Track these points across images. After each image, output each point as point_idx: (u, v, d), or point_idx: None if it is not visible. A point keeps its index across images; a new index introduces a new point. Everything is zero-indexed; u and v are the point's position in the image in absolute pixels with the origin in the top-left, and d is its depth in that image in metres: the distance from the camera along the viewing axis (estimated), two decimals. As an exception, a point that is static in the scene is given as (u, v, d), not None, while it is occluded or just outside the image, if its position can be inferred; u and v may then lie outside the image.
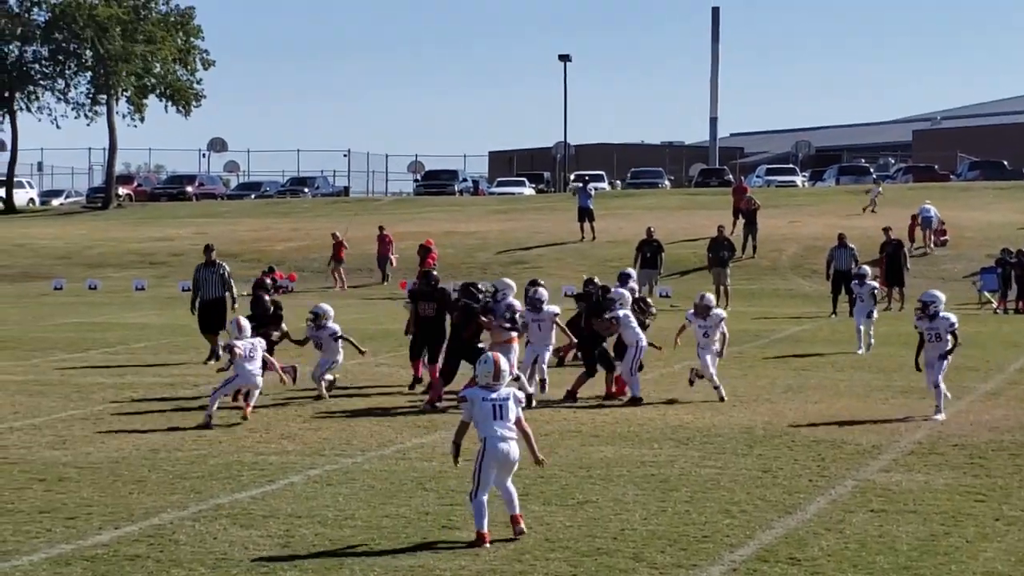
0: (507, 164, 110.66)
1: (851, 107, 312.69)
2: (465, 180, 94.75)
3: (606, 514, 14.68)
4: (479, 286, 24.47)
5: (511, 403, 13.59)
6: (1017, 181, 77.79)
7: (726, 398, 22.81)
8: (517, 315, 23.38)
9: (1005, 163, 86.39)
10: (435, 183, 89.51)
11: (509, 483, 13.66)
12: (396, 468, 17.35)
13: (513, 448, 13.50)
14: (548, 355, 24.22)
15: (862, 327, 31.09)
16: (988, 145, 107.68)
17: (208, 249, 30.30)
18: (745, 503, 15.27)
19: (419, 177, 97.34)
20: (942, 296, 21.99)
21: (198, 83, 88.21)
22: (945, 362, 21.43)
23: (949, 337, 21.31)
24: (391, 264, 55.85)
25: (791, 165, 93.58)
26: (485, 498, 13.44)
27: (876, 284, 32.81)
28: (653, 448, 18.66)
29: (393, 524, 14.23)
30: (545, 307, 24.01)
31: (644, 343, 23.29)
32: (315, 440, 19.52)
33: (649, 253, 46.73)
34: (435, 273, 25.68)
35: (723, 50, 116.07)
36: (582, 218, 59.37)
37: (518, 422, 13.59)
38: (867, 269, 33.16)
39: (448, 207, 74.19)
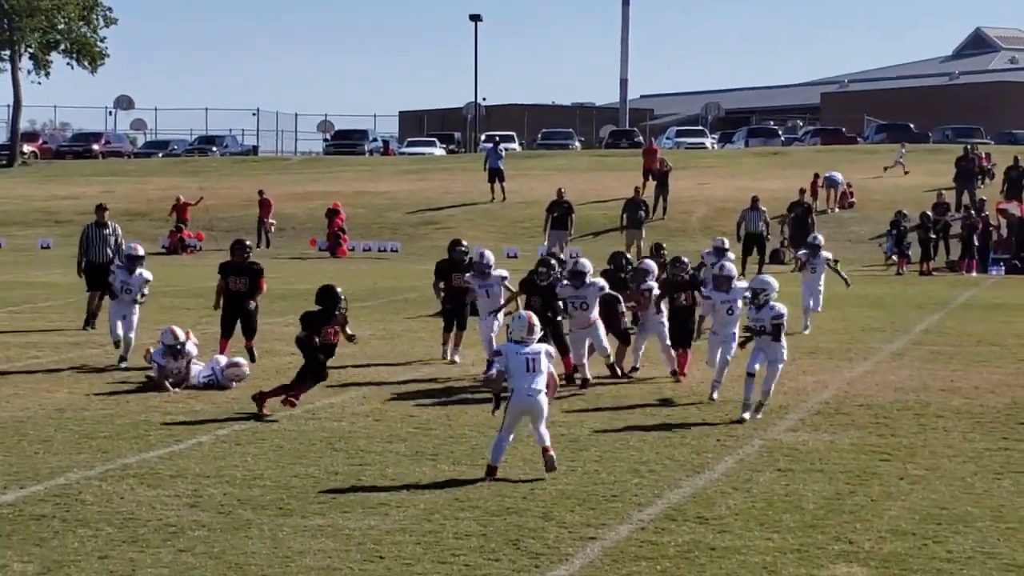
0: (418, 124, 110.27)
1: (760, 70, 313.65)
2: (375, 140, 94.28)
3: (516, 474, 14.72)
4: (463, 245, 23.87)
5: (543, 357, 14.73)
6: (923, 144, 78.46)
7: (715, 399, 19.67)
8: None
9: (911, 126, 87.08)
10: (345, 143, 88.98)
11: (542, 427, 14.74)
12: (305, 428, 17.30)
13: (539, 401, 14.64)
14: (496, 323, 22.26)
15: (811, 302, 28.17)
16: (895, 108, 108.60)
17: (100, 209, 28.68)
18: (654, 463, 15.35)
19: (329, 137, 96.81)
20: (775, 283, 18.48)
21: (102, 41, 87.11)
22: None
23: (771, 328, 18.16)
24: (268, 229, 55.06)
25: (700, 127, 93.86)
26: (507, 440, 14.66)
27: (831, 255, 29.68)
28: (563, 409, 18.71)
29: (302, 484, 14.19)
30: (493, 272, 22.63)
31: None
32: (223, 400, 19.42)
33: (559, 214, 46.79)
34: (249, 244, 23.36)
35: (633, 12, 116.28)
36: (492, 179, 59.32)
37: (549, 375, 14.80)
38: (821, 238, 30.68)
39: (358, 167, 73.89)
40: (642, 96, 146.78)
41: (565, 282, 20.98)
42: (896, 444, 16.56)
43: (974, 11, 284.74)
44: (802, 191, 48.96)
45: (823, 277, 28.79)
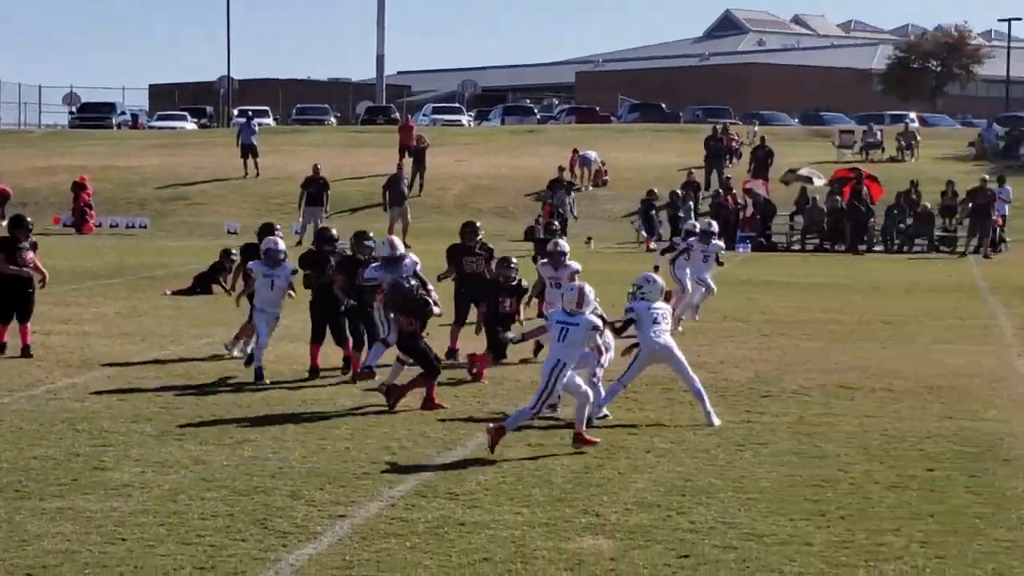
0: (169, 98, 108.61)
1: (516, 48, 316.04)
2: (124, 113, 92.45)
3: (264, 453, 14.60)
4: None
5: (578, 330, 15.11)
6: (674, 124, 79.80)
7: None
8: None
9: (663, 105, 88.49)
10: (92, 116, 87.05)
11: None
12: (46, 409, 16.92)
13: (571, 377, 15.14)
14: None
15: (697, 300, 25.88)
16: (647, 88, 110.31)
17: None
18: (405, 440, 15.35)
19: (75, 110, 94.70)
20: (660, 280, 17.28)
21: None
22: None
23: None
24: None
25: (457, 104, 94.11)
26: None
27: (722, 244, 27.51)
28: (315, 386, 18.61)
29: (42, 466, 13.87)
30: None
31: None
32: (-36, 380, 18.90)
33: (314, 190, 46.52)
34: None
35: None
36: (245, 154, 58.70)
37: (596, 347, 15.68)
38: (715, 224, 27.44)
39: (106, 141, 72.45)
40: (399, 72, 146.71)
41: (545, 262, 20.80)
42: (643, 418, 16.81)
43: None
44: (561, 168, 49.42)
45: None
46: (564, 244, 21.20)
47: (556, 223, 27.64)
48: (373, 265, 18.84)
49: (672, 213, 46.16)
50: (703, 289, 25.73)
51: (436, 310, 17.65)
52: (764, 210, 47.90)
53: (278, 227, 21.30)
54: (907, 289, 32.45)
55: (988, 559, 11.03)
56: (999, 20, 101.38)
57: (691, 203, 46.83)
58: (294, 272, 19.76)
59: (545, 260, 20.99)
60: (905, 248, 46.18)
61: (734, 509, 12.51)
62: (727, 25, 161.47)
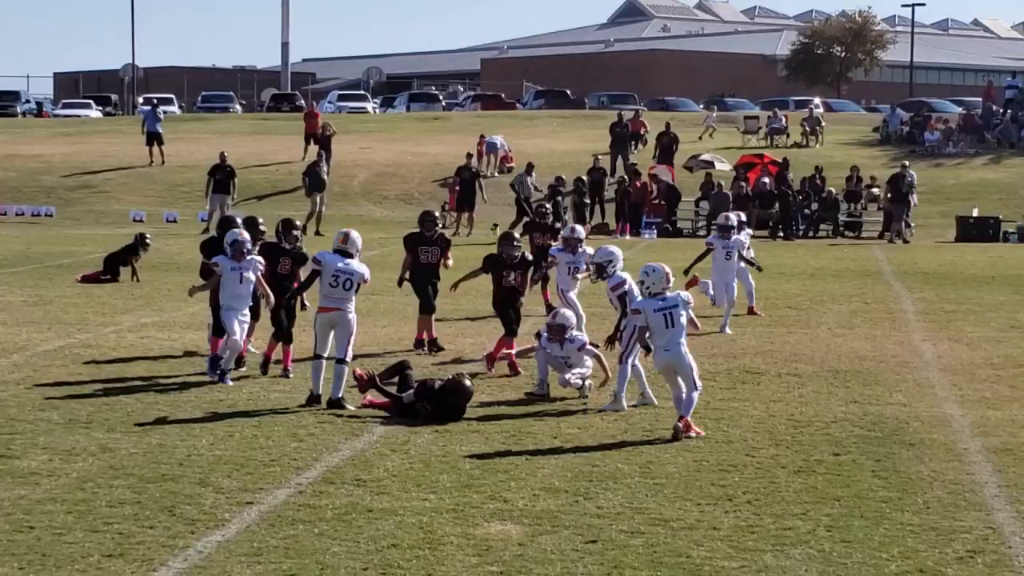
0: (73, 86, 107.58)
1: (421, 35, 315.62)
2: (28, 101, 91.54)
3: (172, 440, 14.56)
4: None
5: (681, 310, 15.29)
6: (579, 110, 79.99)
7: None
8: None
9: (568, 92, 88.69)
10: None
11: (681, 384, 15.25)
12: (-47, 397, 16.78)
13: (673, 357, 15.21)
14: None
15: (726, 302, 23.74)
16: (552, 74, 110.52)
17: None
18: (313, 427, 15.36)
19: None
20: (618, 252, 17.78)
21: None
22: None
23: (616, 301, 17.47)
24: None
25: (362, 92, 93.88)
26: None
27: (745, 238, 24.95)
28: (204, 376, 18.50)
29: (-51, 455, 13.78)
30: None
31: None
32: None
33: (221, 178, 46.18)
34: None
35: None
36: (151, 142, 58.21)
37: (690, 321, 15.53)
38: (733, 217, 24.78)
39: (10, 129, 71.66)
40: (304, 60, 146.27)
41: (561, 248, 20.97)
42: (550, 404, 16.90)
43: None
44: (469, 155, 49.40)
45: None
46: (580, 230, 21.53)
47: (548, 206, 26.89)
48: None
49: (577, 200, 46.28)
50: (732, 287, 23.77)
51: None
52: (668, 195, 48.10)
53: (297, 223, 19.77)
54: (812, 274, 32.77)
55: (894, 543, 11.20)
56: (903, 5, 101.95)
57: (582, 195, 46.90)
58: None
59: (561, 247, 21.15)
60: (810, 233, 46.55)
61: (641, 494, 12.62)
62: (632, 11, 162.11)
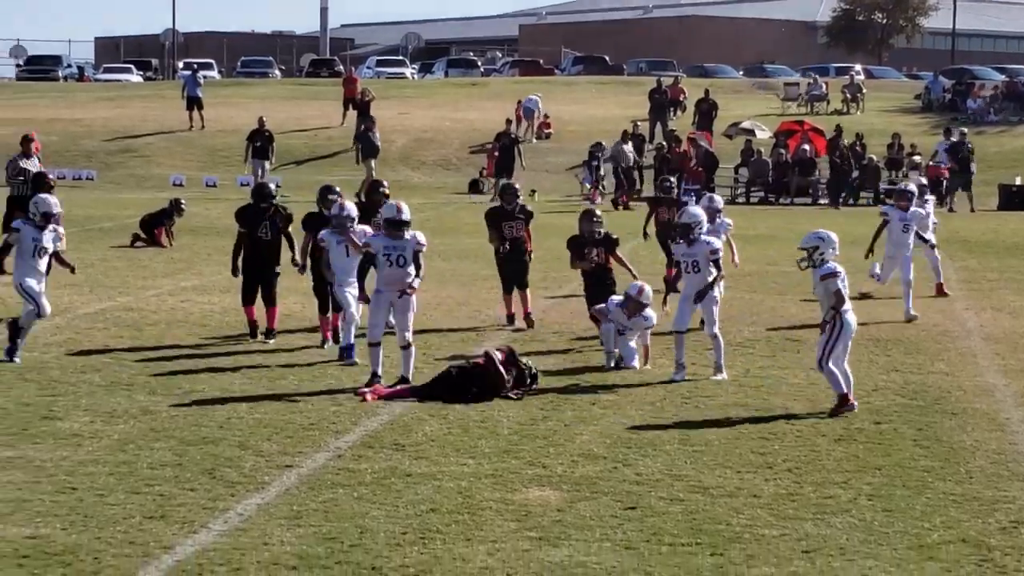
0: (114, 50, 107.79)
1: (459, 0, 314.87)
2: (70, 66, 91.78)
3: (212, 403, 14.61)
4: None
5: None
6: (617, 76, 79.72)
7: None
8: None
9: (606, 58, 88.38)
10: (38, 69, 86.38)
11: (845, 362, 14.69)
12: (-6, 359, 16.86)
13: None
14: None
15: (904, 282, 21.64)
16: (591, 41, 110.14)
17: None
18: (352, 391, 15.36)
19: (21, 62, 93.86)
20: (702, 215, 17.24)
21: None
22: (714, 305, 16.75)
23: (712, 268, 16.64)
24: None
25: (401, 57, 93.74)
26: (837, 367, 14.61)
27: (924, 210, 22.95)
28: (259, 339, 18.56)
29: (-9, 416, 13.85)
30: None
31: None
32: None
33: (260, 143, 46.25)
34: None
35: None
36: (191, 107, 58.30)
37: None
38: (912, 185, 23.20)
39: (52, 93, 71.87)
40: (343, 25, 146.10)
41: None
42: (591, 370, 16.88)
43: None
44: (508, 121, 49.31)
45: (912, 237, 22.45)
46: (718, 199, 20.81)
47: (672, 180, 24.65)
48: (371, 234, 16.57)
49: (616, 165, 46.11)
50: (907, 259, 21.98)
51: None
52: (707, 162, 47.87)
53: (337, 188, 18.87)
54: (853, 241, 32.57)
55: (936, 512, 11.14)
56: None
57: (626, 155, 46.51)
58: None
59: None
60: (851, 201, 46.34)
61: (681, 461, 12.60)
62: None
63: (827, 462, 12.67)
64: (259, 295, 18.64)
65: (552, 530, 10.53)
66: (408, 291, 15.52)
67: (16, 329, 16.90)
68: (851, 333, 14.81)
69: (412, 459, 12.51)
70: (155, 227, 29.86)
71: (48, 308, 17.19)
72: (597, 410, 14.70)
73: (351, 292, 17.37)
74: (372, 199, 18.90)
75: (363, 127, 47.46)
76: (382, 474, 11.97)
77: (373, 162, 45.07)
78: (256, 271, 18.62)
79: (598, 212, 19.25)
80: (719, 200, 20.85)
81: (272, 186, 19.81)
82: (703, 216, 17.19)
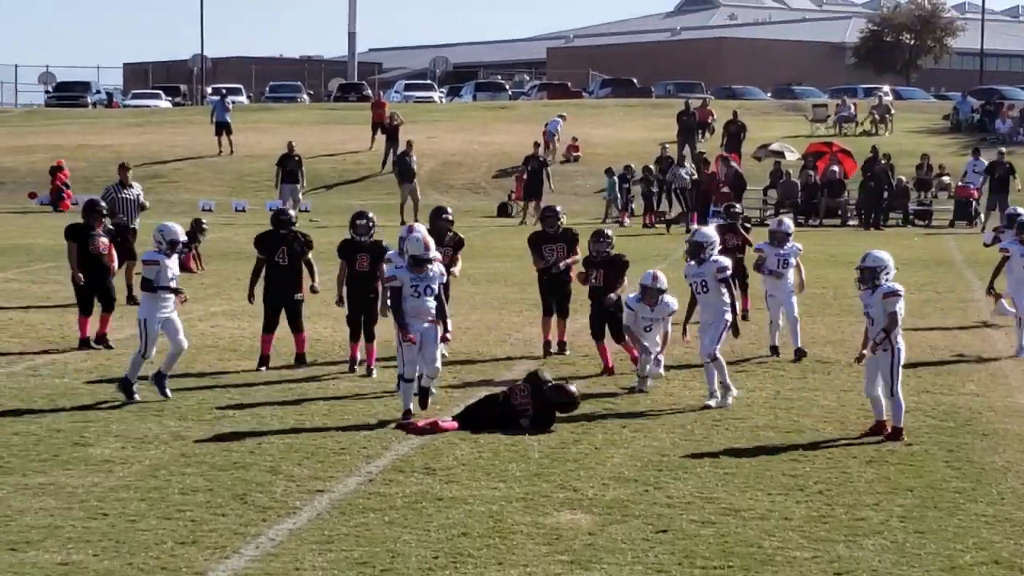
0: (143, 76, 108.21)
1: (487, 24, 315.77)
2: (99, 92, 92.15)
3: (243, 428, 14.64)
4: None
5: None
6: (645, 98, 79.72)
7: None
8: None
9: (634, 81, 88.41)
10: (67, 95, 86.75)
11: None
12: (26, 385, 16.92)
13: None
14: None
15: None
16: (618, 63, 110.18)
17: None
18: (383, 414, 15.38)
19: (50, 89, 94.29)
20: (714, 236, 17.05)
21: None
22: (723, 328, 16.42)
23: (723, 288, 16.41)
24: None
25: (429, 81, 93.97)
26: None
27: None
28: (288, 364, 18.58)
29: (23, 441, 13.89)
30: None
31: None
32: (-60, 358, 18.85)
33: (290, 168, 46.39)
34: None
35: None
36: (220, 132, 58.50)
37: None
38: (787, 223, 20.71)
39: (81, 119, 72.18)
40: (370, 50, 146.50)
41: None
42: (620, 393, 16.86)
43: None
44: (536, 144, 49.35)
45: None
46: (788, 222, 20.36)
47: (738, 206, 23.36)
48: (395, 263, 16.03)
49: (645, 189, 46.10)
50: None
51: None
52: (734, 183, 47.76)
53: (370, 214, 18.47)
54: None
55: (968, 534, 11.11)
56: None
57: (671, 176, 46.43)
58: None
59: (768, 241, 19.82)
60: (881, 222, 46.20)
61: (712, 484, 12.58)
62: None
63: (858, 484, 12.63)
64: (286, 323, 18.53)
65: (584, 553, 10.52)
66: (445, 338, 15.85)
67: (160, 377, 16.29)
68: (902, 359, 14.58)
69: (443, 483, 12.51)
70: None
71: (184, 342, 16.50)
72: (628, 433, 14.68)
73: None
74: (436, 225, 18.79)
75: (400, 151, 47.43)
76: (413, 498, 11.98)
77: (409, 187, 45.16)
78: (276, 298, 18.49)
79: (608, 232, 19.14)
80: (789, 223, 20.39)
81: (292, 212, 19.50)
82: (715, 237, 17.03)
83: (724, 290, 16.39)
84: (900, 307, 14.49)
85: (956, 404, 16.31)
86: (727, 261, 16.87)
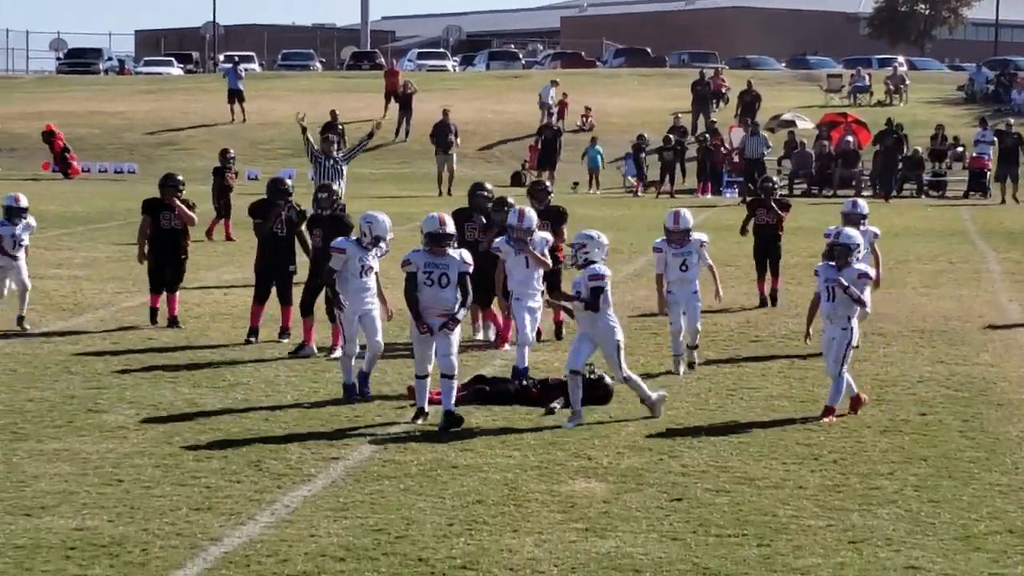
0: (155, 44, 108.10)
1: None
2: (111, 59, 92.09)
3: (257, 396, 14.69)
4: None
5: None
6: (659, 68, 79.53)
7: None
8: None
9: (648, 50, 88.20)
10: (79, 62, 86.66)
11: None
12: (40, 351, 16.94)
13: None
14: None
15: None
16: (632, 32, 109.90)
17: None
18: (396, 383, 15.39)
19: (62, 55, 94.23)
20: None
21: None
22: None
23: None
24: None
25: (442, 50, 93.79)
26: None
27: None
28: (293, 336, 18.51)
29: (38, 408, 13.92)
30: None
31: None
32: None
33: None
34: None
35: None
36: (232, 100, 58.49)
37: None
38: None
39: (93, 86, 72.15)
40: (383, 18, 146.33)
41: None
42: (632, 363, 16.82)
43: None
44: (551, 114, 49.25)
45: None
46: (863, 204, 18.77)
47: (775, 179, 22.08)
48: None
49: (669, 158, 45.89)
50: None
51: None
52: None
53: (488, 185, 18.17)
54: (897, 233, 32.48)
55: (983, 503, 11.10)
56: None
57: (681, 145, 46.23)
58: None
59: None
60: (894, 193, 46.09)
61: (726, 453, 12.58)
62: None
63: (873, 453, 12.63)
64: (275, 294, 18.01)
65: (598, 521, 10.52)
66: (450, 325, 13.67)
67: (363, 376, 14.91)
68: (854, 340, 14.38)
69: (457, 451, 12.52)
70: (217, 193, 29.82)
71: (381, 343, 14.99)
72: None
73: (531, 308, 15.99)
74: (474, 201, 17.98)
75: (439, 121, 46.83)
76: (428, 466, 11.99)
77: (444, 157, 44.98)
78: (270, 268, 17.97)
79: (488, 186, 18.17)
80: (863, 205, 18.73)
81: (288, 181, 18.62)
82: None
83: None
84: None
85: (970, 374, 16.29)
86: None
